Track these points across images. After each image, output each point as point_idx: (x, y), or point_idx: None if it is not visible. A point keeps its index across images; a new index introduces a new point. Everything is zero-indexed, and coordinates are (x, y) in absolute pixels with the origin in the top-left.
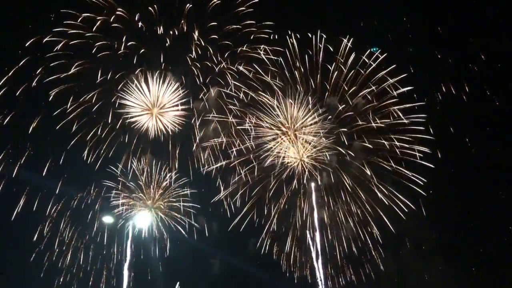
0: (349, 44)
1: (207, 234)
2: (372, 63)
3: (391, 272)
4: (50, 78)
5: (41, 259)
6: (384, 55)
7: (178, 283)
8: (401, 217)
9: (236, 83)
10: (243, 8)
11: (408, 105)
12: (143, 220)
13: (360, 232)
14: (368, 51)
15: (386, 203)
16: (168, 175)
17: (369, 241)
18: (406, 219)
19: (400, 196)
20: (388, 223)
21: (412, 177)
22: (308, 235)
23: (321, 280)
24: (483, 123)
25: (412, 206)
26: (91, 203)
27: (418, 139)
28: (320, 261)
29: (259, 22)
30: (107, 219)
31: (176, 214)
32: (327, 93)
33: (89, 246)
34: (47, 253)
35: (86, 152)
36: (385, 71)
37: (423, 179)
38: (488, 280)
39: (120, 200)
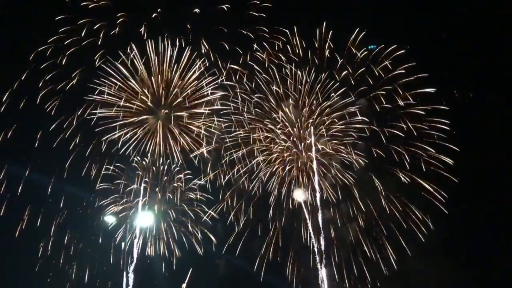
0: (353, 48)
1: (213, 239)
2: (376, 68)
3: (395, 276)
4: (52, 90)
5: (46, 270)
6: (396, 53)
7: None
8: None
9: (241, 87)
10: (254, 13)
11: (426, 107)
12: (146, 220)
13: (365, 236)
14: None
15: (401, 220)
16: (176, 178)
17: (374, 245)
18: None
19: (417, 212)
20: (394, 228)
21: (434, 192)
22: (313, 238)
23: (324, 282)
24: (485, 126)
25: (430, 224)
26: (97, 209)
27: (440, 147)
28: (323, 264)
29: (266, 26)
30: (109, 219)
31: (183, 218)
32: (333, 95)
33: (94, 252)
34: (52, 262)
35: (88, 162)
36: (390, 74)
37: (444, 194)
38: (492, 282)
39: (126, 204)
